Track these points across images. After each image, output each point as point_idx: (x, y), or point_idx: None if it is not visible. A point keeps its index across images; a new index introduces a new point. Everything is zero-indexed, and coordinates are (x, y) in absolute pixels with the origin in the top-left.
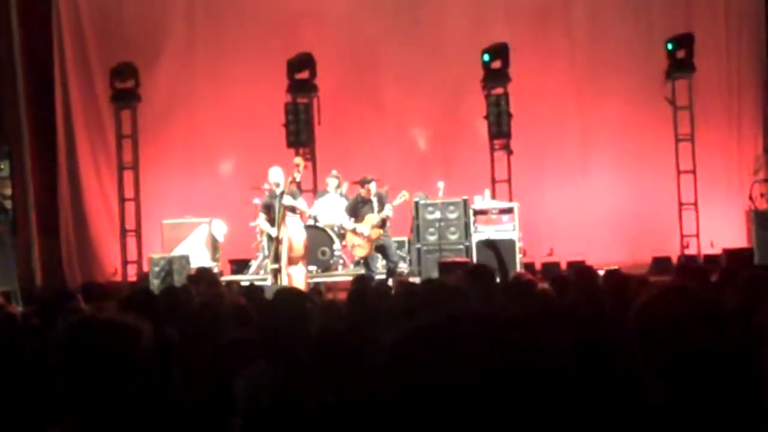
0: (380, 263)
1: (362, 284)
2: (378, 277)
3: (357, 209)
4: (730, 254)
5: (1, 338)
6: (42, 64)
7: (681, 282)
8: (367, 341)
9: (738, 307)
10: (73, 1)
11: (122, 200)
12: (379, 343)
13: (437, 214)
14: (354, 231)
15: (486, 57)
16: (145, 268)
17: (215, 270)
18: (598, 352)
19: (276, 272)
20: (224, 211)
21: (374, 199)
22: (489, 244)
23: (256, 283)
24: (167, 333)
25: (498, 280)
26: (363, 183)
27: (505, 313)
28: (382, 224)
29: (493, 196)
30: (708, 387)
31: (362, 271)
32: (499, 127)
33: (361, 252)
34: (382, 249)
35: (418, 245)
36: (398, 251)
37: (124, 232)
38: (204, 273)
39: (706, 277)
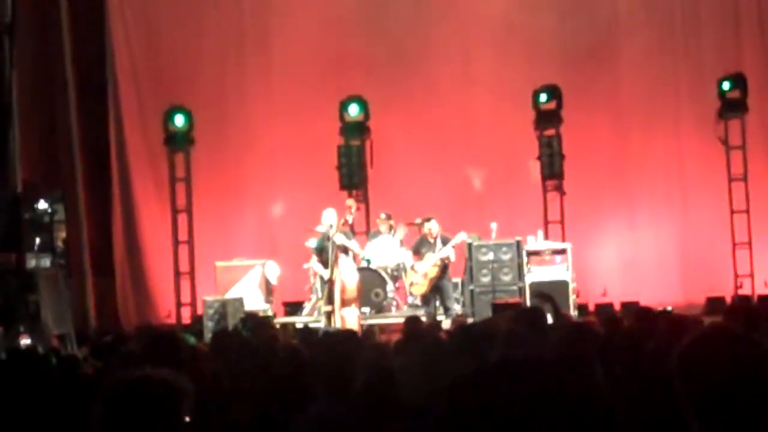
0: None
1: (413, 325)
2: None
3: (420, 248)
4: None
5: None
6: (96, 108)
7: (726, 323)
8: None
9: None
10: (128, 45)
11: (176, 243)
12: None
13: (490, 256)
14: (413, 268)
15: (538, 98)
16: (199, 311)
17: (269, 312)
18: (655, 395)
19: (329, 314)
20: (277, 253)
21: (438, 240)
22: (541, 295)
23: (310, 325)
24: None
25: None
26: (424, 222)
27: (559, 356)
28: (442, 265)
29: (546, 237)
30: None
31: (417, 312)
32: (552, 168)
33: (417, 290)
34: (439, 291)
35: (472, 286)
36: (453, 294)
37: (177, 274)
38: (254, 317)
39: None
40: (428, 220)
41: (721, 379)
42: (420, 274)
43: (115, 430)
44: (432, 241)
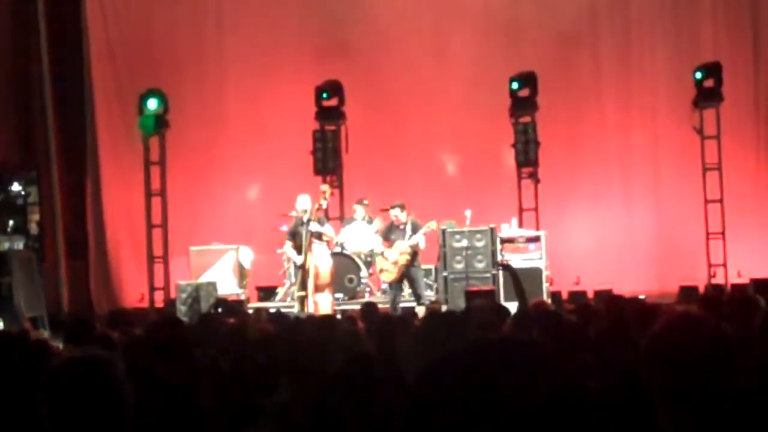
0: (408, 291)
1: (369, 310)
2: (403, 305)
3: (389, 234)
4: (758, 284)
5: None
6: (71, 90)
7: (690, 310)
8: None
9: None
10: (104, 27)
11: (150, 226)
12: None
13: (464, 242)
14: (382, 254)
15: (514, 85)
16: (173, 295)
17: (242, 297)
18: (626, 381)
19: (303, 299)
20: (251, 238)
21: (408, 227)
22: (507, 268)
23: (283, 310)
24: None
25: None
26: (391, 208)
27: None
28: (412, 253)
29: (520, 225)
30: (717, 417)
31: (387, 297)
32: (527, 156)
33: (387, 277)
34: (409, 278)
35: (445, 273)
36: (426, 280)
37: (151, 258)
38: (225, 302)
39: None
40: (393, 207)
41: (688, 364)
42: (390, 262)
43: (56, 409)
44: (402, 227)
